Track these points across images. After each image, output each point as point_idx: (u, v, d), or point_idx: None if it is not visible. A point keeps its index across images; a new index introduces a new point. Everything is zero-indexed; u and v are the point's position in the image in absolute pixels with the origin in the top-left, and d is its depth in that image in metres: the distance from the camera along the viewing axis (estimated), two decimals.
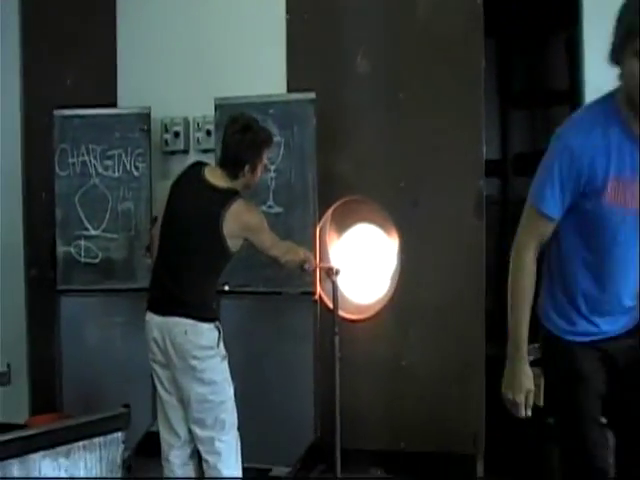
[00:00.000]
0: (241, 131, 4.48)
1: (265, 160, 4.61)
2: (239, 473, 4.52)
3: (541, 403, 4.29)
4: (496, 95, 8.09)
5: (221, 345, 4.43)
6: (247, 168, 4.46)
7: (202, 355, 4.37)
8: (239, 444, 4.53)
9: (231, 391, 4.48)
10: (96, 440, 3.06)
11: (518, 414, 3.25)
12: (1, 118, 6.52)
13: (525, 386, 3.24)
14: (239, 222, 4.39)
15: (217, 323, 4.43)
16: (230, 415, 4.48)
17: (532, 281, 3.19)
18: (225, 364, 4.46)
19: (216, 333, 4.41)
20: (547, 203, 3.12)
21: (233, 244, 4.40)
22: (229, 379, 4.48)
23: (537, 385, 4.31)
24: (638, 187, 2.99)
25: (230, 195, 4.42)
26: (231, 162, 4.47)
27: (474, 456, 5.59)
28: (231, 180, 4.47)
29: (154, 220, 5.17)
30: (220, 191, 4.43)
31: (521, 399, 3.24)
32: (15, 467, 2.78)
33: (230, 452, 4.48)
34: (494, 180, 8.06)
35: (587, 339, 3.16)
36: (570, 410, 3.25)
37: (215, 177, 4.48)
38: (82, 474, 2.74)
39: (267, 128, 4.69)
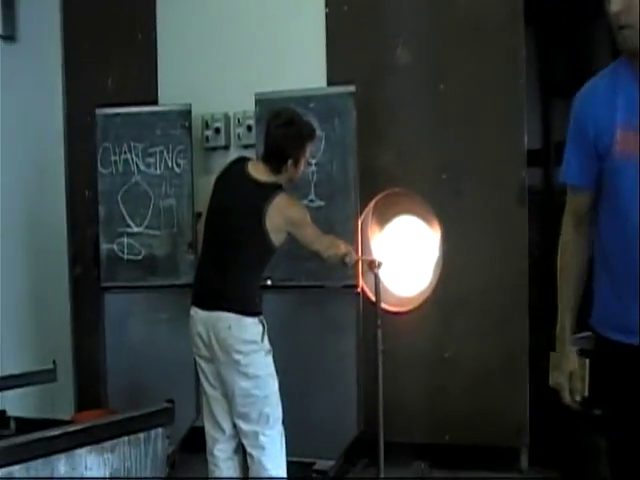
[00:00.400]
0: (285, 125, 4.49)
1: (308, 154, 4.61)
2: (283, 467, 4.53)
3: (586, 394, 4.27)
4: (538, 84, 8.03)
5: (265, 339, 4.43)
6: (290, 162, 4.46)
7: (246, 349, 4.38)
8: (283, 439, 4.53)
9: (275, 385, 4.49)
10: (141, 435, 3.07)
11: (564, 399, 3.13)
12: (44, 117, 6.59)
13: (566, 368, 3.09)
14: (282, 216, 4.39)
15: (261, 317, 4.43)
16: (274, 409, 4.48)
17: (574, 258, 2.98)
18: (269, 358, 4.46)
19: (260, 327, 4.41)
20: (566, 171, 2.94)
21: (276, 238, 4.40)
22: (273, 374, 4.48)
23: (582, 376, 4.28)
24: None
25: (273, 189, 4.42)
26: (274, 156, 4.48)
27: (518, 449, 5.56)
28: (274, 174, 4.47)
29: (198, 216, 5.19)
30: (263, 185, 4.44)
31: (562, 381, 3.11)
32: (62, 462, 2.81)
33: (274, 446, 4.49)
34: (537, 170, 8.00)
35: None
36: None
37: (258, 172, 4.49)
38: (127, 469, 2.75)
39: (310, 122, 4.68)
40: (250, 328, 4.39)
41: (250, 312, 4.41)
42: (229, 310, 4.37)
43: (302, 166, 4.58)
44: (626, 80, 2.77)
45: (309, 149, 4.59)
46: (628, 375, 2.81)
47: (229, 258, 4.44)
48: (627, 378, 2.82)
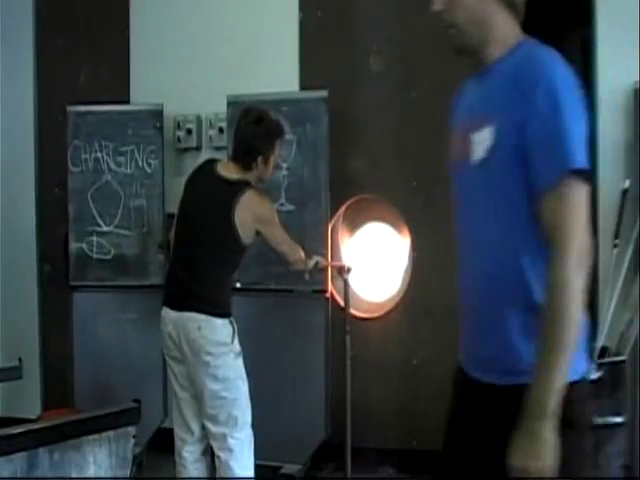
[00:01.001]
0: (254, 122, 4.49)
1: (277, 152, 4.61)
2: (251, 470, 4.53)
3: None
4: None
5: (236, 341, 4.42)
6: (260, 159, 4.46)
7: (216, 351, 4.36)
8: (252, 442, 4.53)
9: (245, 388, 4.48)
10: (106, 434, 3.07)
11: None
12: (15, 114, 6.54)
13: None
14: (251, 212, 4.39)
15: (231, 318, 4.42)
16: (243, 412, 4.47)
17: None
18: (239, 361, 4.45)
19: (230, 329, 4.40)
20: None
21: (245, 235, 4.39)
22: (243, 376, 4.48)
23: None
24: (463, 131, 2.57)
25: (242, 186, 4.42)
26: (244, 153, 4.48)
27: None
28: (244, 172, 4.47)
29: (169, 217, 5.18)
30: (232, 183, 4.44)
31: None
32: (24, 461, 2.79)
33: (242, 449, 4.48)
34: None
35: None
36: None
37: (228, 170, 4.50)
38: (92, 468, 2.75)
39: (280, 120, 4.68)
40: (220, 329, 4.38)
41: (220, 313, 4.40)
42: (199, 311, 4.35)
43: (272, 164, 4.58)
44: (472, 79, 2.69)
45: (278, 147, 4.59)
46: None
47: (200, 257, 4.43)
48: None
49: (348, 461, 5.30)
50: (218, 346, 4.36)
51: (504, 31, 2.48)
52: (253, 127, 4.47)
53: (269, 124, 4.51)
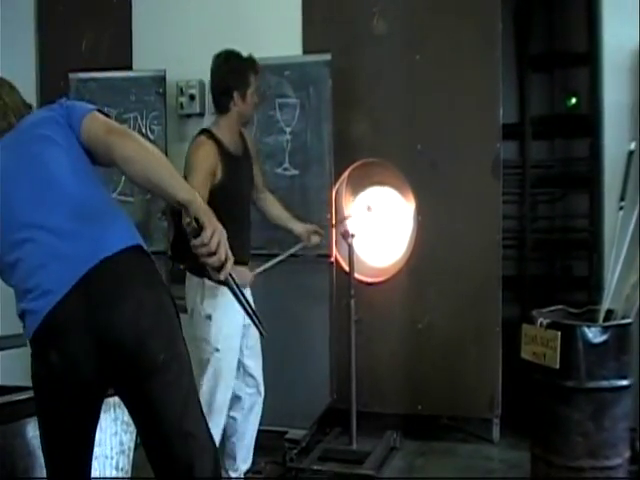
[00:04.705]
0: (224, 60, 4.54)
1: (255, 86, 4.58)
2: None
3: (557, 366, 4.29)
4: (514, 57, 8.04)
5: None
6: (236, 95, 4.48)
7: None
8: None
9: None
10: (111, 400, 3.06)
11: None
12: (16, 82, 6.48)
13: None
14: (187, 158, 4.41)
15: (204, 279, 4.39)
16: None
17: None
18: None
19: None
20: None
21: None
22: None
23: (554, 347, 4.31)
24: None
25: (196, 135, 4.50)
26: (219, 92, 4.50)
27: (490, 420, 5.60)
28: (225, 114, 4.50)
29: None
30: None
31: None
32: (30, 426, 2.80)
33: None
34: (512, 144, 8.02)
35: None
36: None
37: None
38: (97, 433, 2.74)
39: (251, 55, 4.64)
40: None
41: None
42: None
43: (251, 99, 4.56)
44: None
45: (254, 81, 4.58)
46: None
47: None
48: None
49: (353, 426, 5.33)
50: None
51: None
52: (223, 66, 4.52)
53: (239, 59, 4.54)
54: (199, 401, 2.74)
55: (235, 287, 2.75)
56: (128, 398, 2.66)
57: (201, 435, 2.66)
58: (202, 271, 4.34)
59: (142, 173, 2.68)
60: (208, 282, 4.32)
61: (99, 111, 2.89)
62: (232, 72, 4.50)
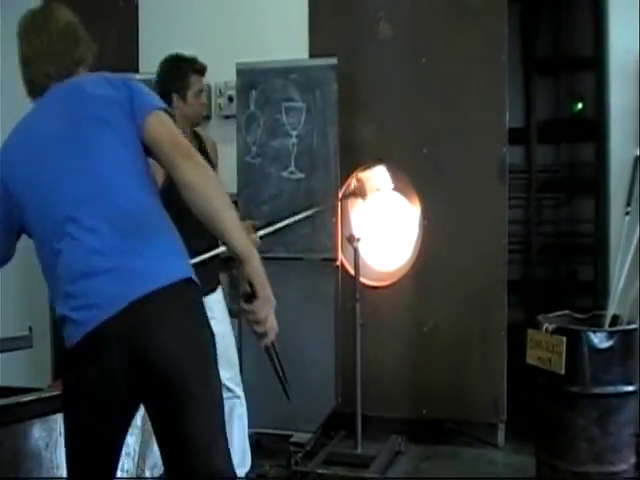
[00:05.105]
0: (163, 63, 4.54)
1: (197, 88, 4.52)
2: None
3: (562, 371, 4.29)
4: (520, 61, 8.03)
5: None
6: (175, 97, 4.43)
7: None
8: None
9: None
10: None
11: None
12: (20, 83, 6.49)
13: None
14: None
15: None
16: None
17: None
18: None
19: None
20: None
21: None
22: None
23: (559, 352, 4.30)
24: None
25: None
26: (160, 96, 4.49)
27: (495, 424, 5.59)
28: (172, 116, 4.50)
29: None
30: None
31: None
32: (36, 427, 2.80)
33: None
34: (518, 148, 8.01)
35: None
36: None
37: None
38: None
39: (195, 57, 4.62)
40: None
41: None
42: None
43: (194, 101, 4.50)
44: None
45: (196, 82, 4.52)
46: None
47: None
48: None
49: (358, 429, 5.32)
50: None
51: None
52: (162, 69, 4.53)
53: (178, 61, 4.53)
54: (226, 436, 2.70)
55: (274, 354, 2.74)
56: (158, 423, 2.60)
57: (228, 471, 2.62)
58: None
59: (200, 203, 2.55)
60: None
61: (164, 110, 2.75)
62: (170, 74, 4.47)
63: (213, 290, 4.47)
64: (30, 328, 4.29)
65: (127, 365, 2.47)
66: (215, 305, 4.41)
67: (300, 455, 5.17)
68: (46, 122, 2.70)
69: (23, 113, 2.86)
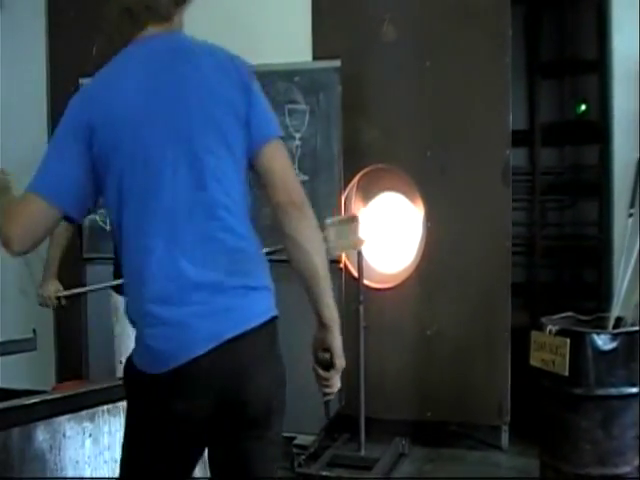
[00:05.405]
0: None
1: None
2: None
3: (566, 373, 4.29)
4: (524, 64, 8.04)
5: None
6: None
7: None
8: None
9: None
10: (120, 404, 3.07)
11: None
12: (28, 86, 6.52)
13: None
14: None
15: None
16: None
17: None
18: None
19: None
20: None
21: None
22: None
23: (563, 354, 4.30)
24: None
25: None
26: None
27: (499, 426, 5.59)
28: None
29: None
30: None
31: None
32: (40, 430, 2.81)
33: None
34: (521, 150, 8.02)
35: None
36: None
37: None
38: (106, 438, 2.75)
39: None
40: None
41: None
42: None
43: None
44: None
45: None
46: None
47: None
48: None
49: (362, 432, 5.32)
50: None
51: None
52: None
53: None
54: None
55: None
56: (228, 465, 2.47)
57: None
58: None
59: (302, 259, 2.48)
60: None
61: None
62: None
63: None
64: (34, 331, 4.31)
65: (215, 404, 2.35)
66: None
67: (304, 457, 5.18)
68: (152, 83, 2.42)
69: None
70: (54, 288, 4.76)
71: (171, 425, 2.36)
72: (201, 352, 2.28)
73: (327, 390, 2.60)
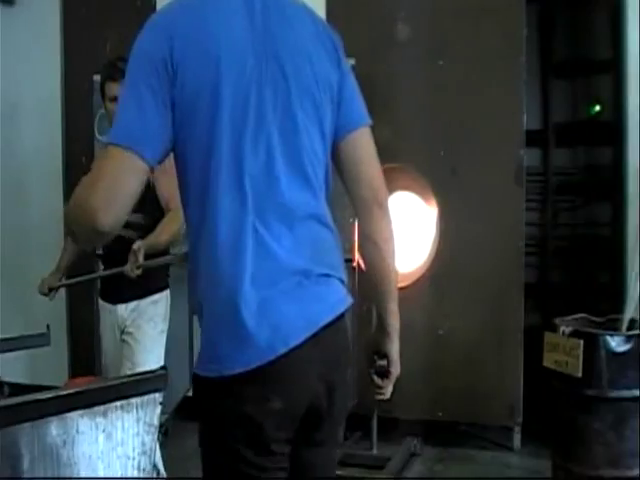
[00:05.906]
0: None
1: (110, 94, 4.46)
2: None
3: (579, 374, 4.28)
4: (538, 64, 8.02)
5: None
6: (103, 105, 4.59)
7: None
8: None
9: None
10: (133, 400, 3.06)
11: None
12: (41, 83, 6.54)
13: None
14: None
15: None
16: None
17: None
18: None
19: None
20: None
21: None
22: None
23: (576, 356, 4.29)
24: None
25: None
26: None
27: (511, 427, 5.58)
28: None
29: None
30: None
31: None
32: (53, 425, 2.80)
33: None
34: (535, 151, 8.00)
35: None
36: None
37: None
38: (119, 434, 2.75)
39: (112, 62, 4.57)
40: None
41: None
42: None
43: (107, 107, 4.52)
44: None
45: (111, 89, 4.45)
46: None
47: None
48: None
49: (374, 431, 5.32)
50: None
51: None
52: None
53: (102, 68, 4.63)
54: None
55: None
56: (307, 460, 2.26)
57: None
58: None
59: (378, 261, 2.44)
60: None
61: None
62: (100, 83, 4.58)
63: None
64: (48, 326, 4.31)
65: (310, 397, 2.16)
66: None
67: None
68: (239, 32, 2.12)
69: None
70: (51, 279, 4.88)
71: (273, 424, 2.11)
72: (293, 343, 2.07)
73: (380, 397, 2.61)
